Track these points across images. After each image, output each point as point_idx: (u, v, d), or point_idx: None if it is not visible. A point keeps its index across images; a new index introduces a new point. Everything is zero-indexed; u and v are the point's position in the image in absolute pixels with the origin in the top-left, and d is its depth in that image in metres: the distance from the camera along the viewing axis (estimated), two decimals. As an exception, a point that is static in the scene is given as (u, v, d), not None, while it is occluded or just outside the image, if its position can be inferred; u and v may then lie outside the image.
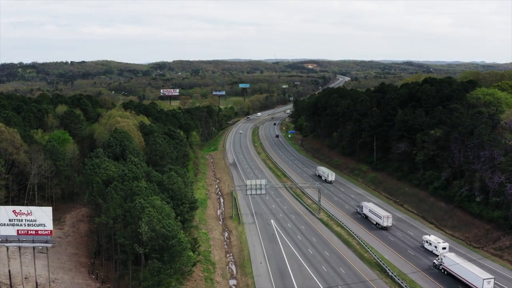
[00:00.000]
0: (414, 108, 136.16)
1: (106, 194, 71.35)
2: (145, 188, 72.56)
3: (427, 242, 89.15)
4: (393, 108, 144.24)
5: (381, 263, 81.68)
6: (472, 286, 70.89)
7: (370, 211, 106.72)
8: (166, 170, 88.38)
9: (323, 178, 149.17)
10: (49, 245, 65.38)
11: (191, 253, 70.70)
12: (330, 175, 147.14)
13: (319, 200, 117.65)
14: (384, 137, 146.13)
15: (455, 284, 74.19)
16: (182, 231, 68.84)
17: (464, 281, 72.65)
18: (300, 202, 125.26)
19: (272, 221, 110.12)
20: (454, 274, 75.04)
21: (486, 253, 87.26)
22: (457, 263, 74.62)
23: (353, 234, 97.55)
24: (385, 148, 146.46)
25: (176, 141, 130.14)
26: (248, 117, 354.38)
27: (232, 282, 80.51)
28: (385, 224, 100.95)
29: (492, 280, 69.36)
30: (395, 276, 76.15)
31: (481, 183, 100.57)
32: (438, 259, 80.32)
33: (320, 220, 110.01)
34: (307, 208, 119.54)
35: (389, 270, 78.53)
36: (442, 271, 78.55)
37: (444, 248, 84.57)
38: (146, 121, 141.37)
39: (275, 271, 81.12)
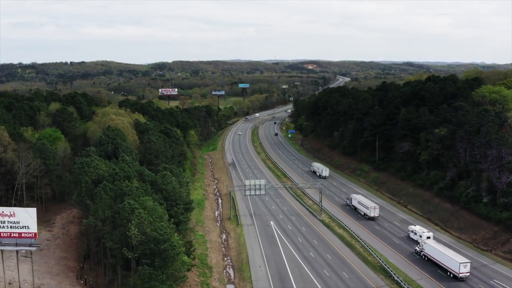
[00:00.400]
0: (417, 106, 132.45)
1: (95, 195, 67.47)
2: (137, 188, 68.75)
3: (412, 232, 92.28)
4: (396, 107, 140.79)
5: (386, 267, 77.91)
6: (450, 270, 74.61)
7: (359, 202, 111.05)
8: (161, 169, 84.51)
9: (318, 174, 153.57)
10: (33, 248, 61.52)
11: (185, 258, 66.78)
12: (324, 170, 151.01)
13: (321, 201, 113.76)
14: (386, 136, 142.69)
15: (435, 268, 77.86)
16: (176, 234, 65.03)
17: (443, 265, 76.45)
18: (301, 203, 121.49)
19: (271, 222, 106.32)
20: (434, 260, 79.09)
21: (495, 256, 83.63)
22: (436, 249, 78.68)
23: (356, 237, 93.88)
24: (388, 148, 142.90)
25: (172, 139, 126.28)
26: (246, 118, 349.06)
27: (230, 287, 76.71)
28: (372, 215, 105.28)
29: (469, 264, 73.01)
30: (401, 281, 72.37)
31: (488, 183, 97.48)
32: (420, 246, 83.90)
33: (322, 221, 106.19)
34: (308, 209, 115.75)
35: (395, 274, 74.76)
36: (423, 257, 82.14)
37: (428, 238, 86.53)
38: (142, 119, 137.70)
39: (275, 275, 77.42)
